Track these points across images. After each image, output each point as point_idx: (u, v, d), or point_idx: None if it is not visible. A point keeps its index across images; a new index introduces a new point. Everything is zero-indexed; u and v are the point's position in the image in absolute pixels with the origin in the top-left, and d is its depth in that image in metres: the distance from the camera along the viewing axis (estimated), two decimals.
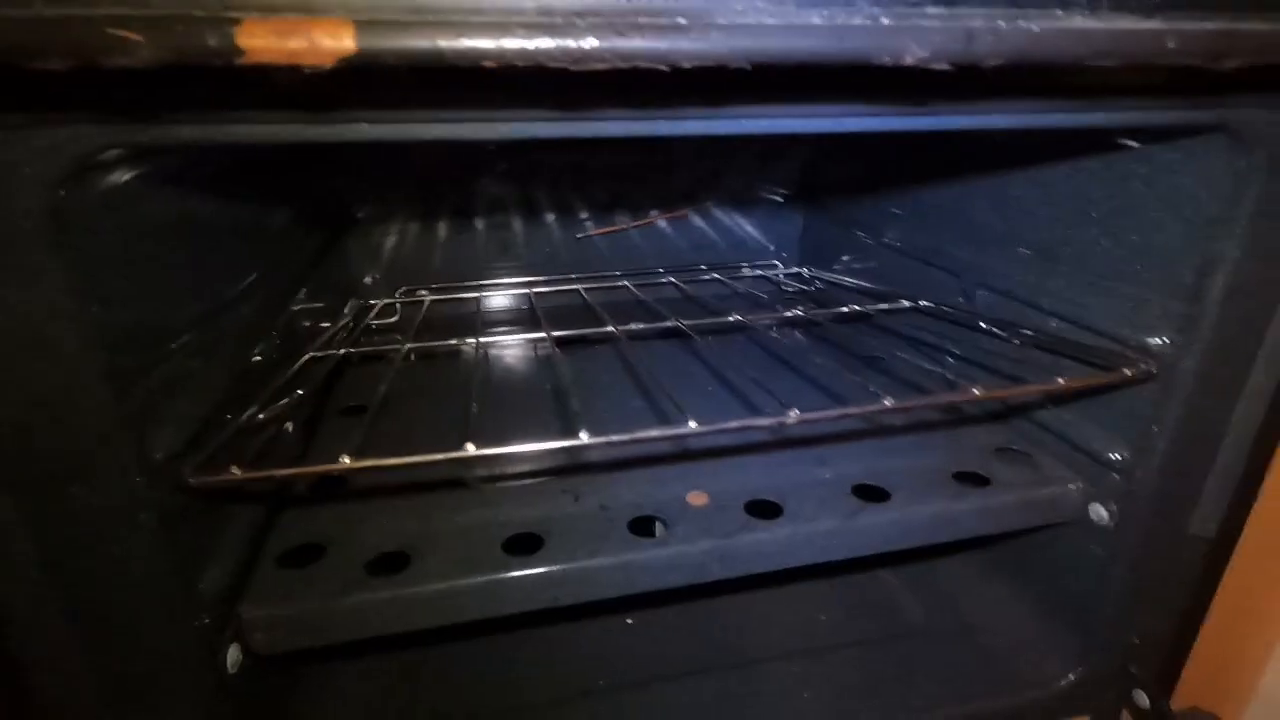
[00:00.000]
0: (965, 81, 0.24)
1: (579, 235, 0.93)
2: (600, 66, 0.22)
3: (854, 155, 0.86)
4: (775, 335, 0.83)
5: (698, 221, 0.99)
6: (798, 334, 0.84)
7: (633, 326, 0.67)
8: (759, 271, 0.98)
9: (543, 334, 0.64)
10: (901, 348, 0.66)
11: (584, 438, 0.40)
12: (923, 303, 0.71)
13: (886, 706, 0.56)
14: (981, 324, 0.62)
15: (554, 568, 0.46)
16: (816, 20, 0.24)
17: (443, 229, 0.91)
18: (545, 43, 0.21)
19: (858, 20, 0.24)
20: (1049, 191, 0.57)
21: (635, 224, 0.94)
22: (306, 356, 0.60)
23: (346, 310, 0.82)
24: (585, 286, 0.90)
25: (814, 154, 0.96)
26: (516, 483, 0.56)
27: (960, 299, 0.68)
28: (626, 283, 0.90)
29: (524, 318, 0.90)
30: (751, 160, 0.96)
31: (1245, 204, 0.43)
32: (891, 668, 0.60)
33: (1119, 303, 0.51)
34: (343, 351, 0.63)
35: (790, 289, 0.94)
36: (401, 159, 0.86)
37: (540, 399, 0.71)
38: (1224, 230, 0.44)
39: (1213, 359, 0.46)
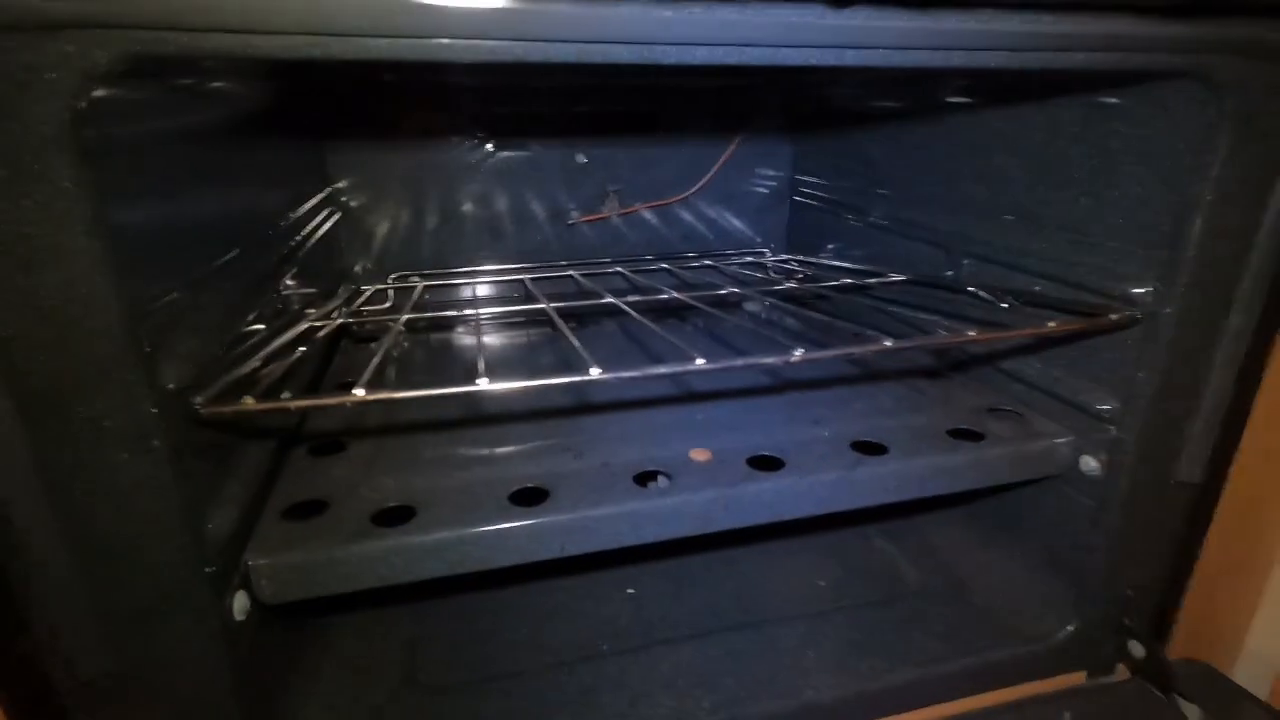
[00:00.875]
0: None
1: (569, 222, 0.94)
2: None
3: (844, 137, 0.89)
4: (771, 315, 0.85)
5: (684, 214, 1.01)
6: (793, 312, 0.86)
7: (631, 299, 0.67)
8: (749, 259, 0.99)
9: (542, 305, 0.64)
10: (896, 316, 0.68)
11: (594, 373, 0.41)
12: (913, 276, 0.73)
13: (889, 662, 0.56)
14: (970, 289, 0.64)
15: (560, 516, 0.46)
16: None
17: (432, 218, 0.92)
18: None
19: None
20: (1030, 159, 0.59)
21: (623, 211, 0.95)
22: (304, 326, 0.60)
23: (339, 293, 0.82)
24: (580, 273, 0.91)
25: (803, 135, 0.99)
26: (516, 446, 0.56)
27: (949, 271, 0.70)
28: (620, 269, 0.91)
29: (520, 300, 0.91)
30: (744, 141, 0.98)
31: (1218, 151, 0.45)
32: (892, 627, 0.60)
33: (1102, 257, 0.53)
34: (339, 321, 0.63)
35: (781, 274, 0.96)
36: (390, 141, 0.87)
37: (546, 359, 0.72)
38: (1198, 177, 0.46)
39: (1192, 302, 0.48)
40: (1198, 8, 0.36)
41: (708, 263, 0.95)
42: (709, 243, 1.02)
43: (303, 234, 0.74)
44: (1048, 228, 0.58)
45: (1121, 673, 0.61)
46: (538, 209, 0.94)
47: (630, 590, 0.66)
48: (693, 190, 0.97)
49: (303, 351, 0.52)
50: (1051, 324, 0.50)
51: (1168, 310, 0.49)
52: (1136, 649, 0.58)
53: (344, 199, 0.88)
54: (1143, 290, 0.50)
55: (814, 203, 0.97)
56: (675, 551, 0.69)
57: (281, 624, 0.50)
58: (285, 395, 0.42)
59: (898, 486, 0.53)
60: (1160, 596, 0.60)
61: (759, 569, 0.68)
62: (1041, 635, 0.59)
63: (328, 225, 0.84)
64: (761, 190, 1.03)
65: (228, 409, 0.37)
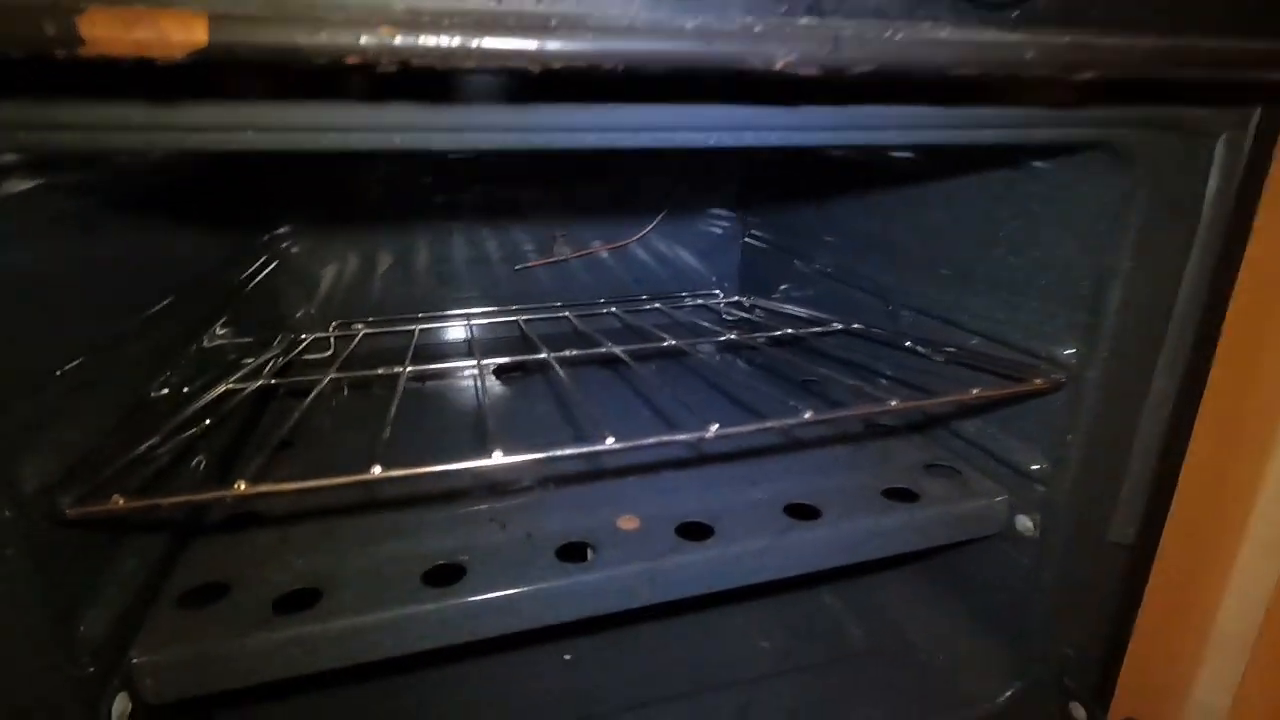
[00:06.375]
0: (833, 86, 0.25)
1: (518, 267, 0.92)
2: (468, 64, 0.22)
3: (787, 185, 0.89)
4: (711, 361, 0.84)
5: (640, 253, 1.00)
6: (735, 359, 0.85)
7: (567, 353, 0.66)
8: (700, 301, 0.99)
9: (473, 362, 0.62)
10: (833, 368, 0.67)
11: (497, 457, 0.39)
12: (854, 325, 0.73)
13: None
14: (907, 343, 0.64)
15: (473, 598, 0.44)
16: (689, 25, 0.24)
17: (380, 262, 0.90)
18: (410, 40, 0.21)
19: (731, 26, 0.25)
20: (961, 215, 0.59)
21: (576, 254, 0.94)
22: (222, 388, 0.58)
23: (275, 344, 0.80)
24: (525, 318, 0.89)
25: (748, 184, 0.99)
26: (442, 513, 0.54)
27: (889, 321, 0.70)
28: (568, 313, 0.90)
29: (460, 349, 0.89)
30: (690, 191, 0.98)
31: (1132, 219, 0.45)
32: (834, 691, 0.59)
33: (1029, 316, 0.53)
34: (261, 383, 0.61)
35: (731, 317, 0.95)
36: (330, 189, 0.85)
37: (466, 425, 0.69)
38: (1114, 244, 0.46)
39: (1116, 367, 0.48)
40: (1088, 96, 0.35)
41: (657, 305, 0.94)
42: (663, 282, 1.01)
43: (235, 283, 0.72)
44: (979, 284, 0.58)
45: None
46: (487, 253, 0.93)
47: (567, 656, 0.64)
48: (638, 236, 0.97)
49: (208, 424, 0.49)
50: (975, 390, 0.49)
51: (1091, 373, 0.49)
52: (1078, 711, 0.57)
53: (284, 245, 0.86)
54: (1068, 353, 0.50)
55: (764, 245, 0.97)
56: (619, 619, 0.67)
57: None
58: (194, 469, 0.39)
59: (829, 552, 0.52)
60: (1101, 656, 0.59)
61: (704, 631, 0.67)
62: (984, 698, 0.58)
63: (265, 273, 0.82)
64: (715, 231, 1.03)
65: (97, 509, 0.35)
